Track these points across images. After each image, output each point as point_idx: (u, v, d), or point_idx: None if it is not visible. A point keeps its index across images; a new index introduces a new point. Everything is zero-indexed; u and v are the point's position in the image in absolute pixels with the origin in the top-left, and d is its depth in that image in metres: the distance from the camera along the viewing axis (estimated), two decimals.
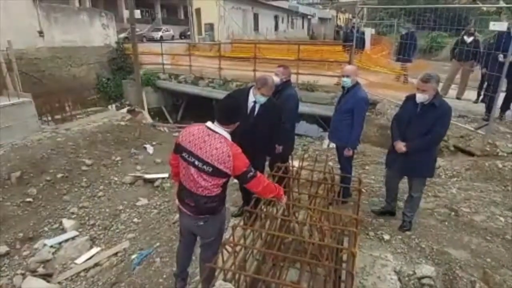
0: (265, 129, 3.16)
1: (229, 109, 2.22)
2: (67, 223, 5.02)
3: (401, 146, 3.14)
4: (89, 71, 11.02)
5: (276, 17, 26.60)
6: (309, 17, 35.51)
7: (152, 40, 22.18)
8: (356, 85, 3.62)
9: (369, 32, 12.33)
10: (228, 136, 2.16)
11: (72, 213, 5.32)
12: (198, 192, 2.20)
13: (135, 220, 5.21)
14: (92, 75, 11.09)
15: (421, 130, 3.04)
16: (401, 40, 8.34)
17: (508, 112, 5.83)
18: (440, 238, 3.29)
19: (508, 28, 4.91)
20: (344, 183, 3.38)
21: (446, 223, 3.55)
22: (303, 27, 34.77)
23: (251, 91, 3.14)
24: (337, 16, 41.96)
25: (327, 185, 3.09)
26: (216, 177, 2.14)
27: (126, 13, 21.20)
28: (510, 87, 5.36)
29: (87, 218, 5.28)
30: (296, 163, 3.40)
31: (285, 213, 2.74)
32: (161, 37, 24.57)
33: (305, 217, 2.76)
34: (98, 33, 11.30)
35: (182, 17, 35.40)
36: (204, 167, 2.11)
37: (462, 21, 9.53)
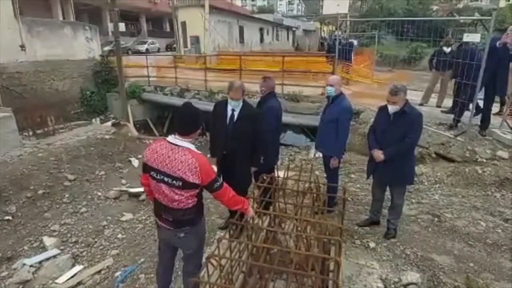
0: (246, 136, 3.23)
1: (185, 119, 2.19)
2: (48, 241, 4.84)
3: (379, 154, 3.21)
4: (73, 85, 10.87)
5: (261, 30, 27.02)
6: (293, 29, 36.22)
7: (137, 53, 22.10)
8: (340, 95, 3.71)
9: (355, 42, 12.65)
10: (192, 146, 2.16)
11: (54, 230, 5.15)
12: (174, 206, 2.18)
13: (119, 236, 5.07)
14: (75, 89, 10.93)
15: (396, 137, 3.14)
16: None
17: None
18: (424, 244, 3.34)
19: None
20: (330, 192, 3.41)
21: (430, 229, 3.61)
22: (288, 39, 35.38)
23: (228, 100, 3.27)
24: (321, 28, 42.89)
25: (312, 195, 3.11)
26: (187, 189, 2.13)
27: (111, 26, 21.07)
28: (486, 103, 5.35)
29: (69, 235, 5.11)
30: (282, 173, 3.42)
31: (271, 224, 2.74)
32: (147, 49, 24.54)
33: (291, 227, 2.76)
34: (82, 46, 11.20)
35: (168, 29, 35.56)
36: (174, 182, 2.11)
37: (440, 33, 9.89)
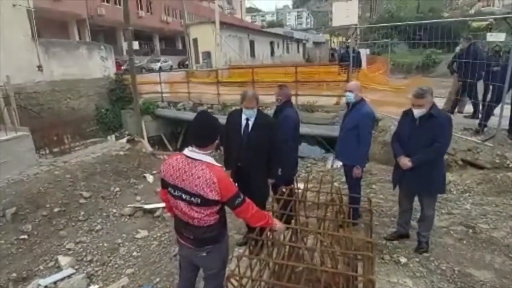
0: (261, 147, 3.08)
1: (202, 129, 2.02)
2: (63, 260, 4.76)
3: (406, 161, 2.99)
4: (88, 103, 11.09)
5: (271, 43, 27.26)
6: (303, 41, 36.46)
7: (151, 71, 22.56)
8: (361, 101, 3.55)
9: (364, 52, 12.53)
10: (210, 159, 2.00)
11: (69, 249, 5.07)
12: (195, 224, 2.04)
13: (135, 253, 4.94)
14: (91, 107, 11.15)
15: (424, 143, 2.92)
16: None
17: None
18: (460, 258, 3.07)
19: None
20: (353, 203, 3.21)
21: (465, 242, 3.34)
22: (298, 51, 35.57)
23: (242, 110, 3.15)
24: (330, 39, 43.06)
25: (335, 207, 2.92)
26: (207, 206, 1.98)
27: (125, 46, 21.68)
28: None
29: (84, 254, 5.01)
30: (301, 186, 3.25)
31: (293, 239, 2.55)
32: (160, 67, 25.03)
33: (314, 242, 2.56)
34: (97, 65, 11.49)
35: (180, 47, 36.39)
36: (192, 199, 1.97)
37: (455, 37, 9.64)
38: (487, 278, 2.79)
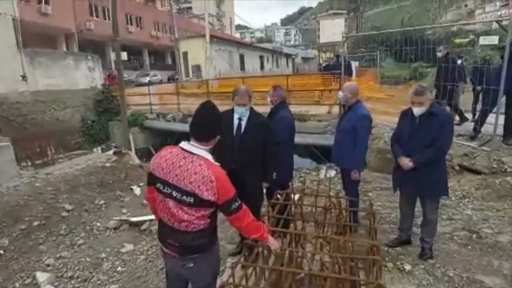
0: (255, 148, 2.89)
1: (206, 120, 1.84)
2: (41, 276, 4.40)
3: (406, 162, 2.86)
4: (74, 114, 10.78)
5: (261, 57, 27.56)
6: (293, 56, 37.05)
7: (140, 85, 22.36)
8: (357, 103, 3.43)
9: (353, 64, 12.70)
10: (209, 156, 1.81)
11: (48, 264, 4.72)
12: (182, 229, 1.80)
13: (119, 268, 4.62)
14: (76, 118, 10.83)
15: (425, 142, 2.80)
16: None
17: None
18: (467, 264, 2.91)
19: None
20: (352, 208, 3.04)
21: (470, 247, 3.18)
22: (287, 65, 36.05)
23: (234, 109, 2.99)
24: (319, 55, 43.93)
25: (335, 211, 2.75)
26: (199, 208, 1.75)
27: (114, 57, 21.58)
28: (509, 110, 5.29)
29: (64, 269, 4.67)
30: (296, 195, 3.08)
31: (292, 244, 2.35)
32: (149, 81, 24.86)
33: (314, 249, 2.37)
34: (84, 76, 11.26)
35: (170, 62, 36.42)
36: (184, 198, 1.73)
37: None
38: (498, 285, 2.63)
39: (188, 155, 1.76)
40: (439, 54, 6.98)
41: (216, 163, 1.80)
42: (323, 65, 15.89)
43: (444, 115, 2.82)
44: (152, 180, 1.84)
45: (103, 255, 4.92)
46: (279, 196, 2.91)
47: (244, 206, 1.87)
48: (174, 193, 1.75)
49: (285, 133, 3.33)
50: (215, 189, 1.71)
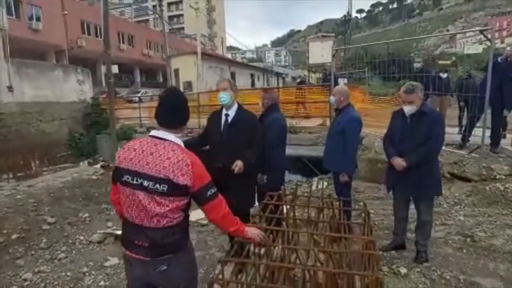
0: (241, 141, 2.83)
1: (174, 107, 1.74)
2: None
3: (400, 162, 2.83)
4: (61, 127, 10.53)
5: (252, 75, 27.98)
6: (283, 75, 37.71)
7: (130, 101, 22.28)
8: (347, 106, 3.44)
9: (341, 81, 13.01)
10: (181, 143, 1.72)
11: (25, 279, 4.44)
12: (152, 225, 1.64)
13: (102, 283, 4.37)
14: (64, 131, 10.58)
15: (417, 142, 2.79)
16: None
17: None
18: (463, 267, 2.84)
19: None
20: (345, 212, 2.97)
21: (465, 250, 3.13)
22: (278, 84, 36.59)
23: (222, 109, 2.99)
24: (308, 75, 44.88)
25: (328, 212, 2.68)
26: (174, 196, 1.63)
27: (104, 71, 21.59)
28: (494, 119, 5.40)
29: (42, 285, 4.39)
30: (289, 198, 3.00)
31: (284, 243, 2.24)
32: (140, 98, 24.76)
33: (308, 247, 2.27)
34: (73, 88, 11.12)
35: (161, 80, 36.58)
36: (157, 186, 1.60)
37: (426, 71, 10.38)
38: (495, 286, 2.56)
39: (159, 141, 1.67)
40: (443, 76, 7.27)
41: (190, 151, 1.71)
42: (297, 81, 17.04)
43: (435, 115, 2.83)
44: (119, 174, 1.70)
45: (85, 269, 4.66)
46: (271, 195, 2.82)
47: (220, 196, 1.76)
48: (146, 183, 1.62)
49: (274, 135, 3.28)
50: (191, 173, 1.61)
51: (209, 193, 1.68)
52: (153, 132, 1.72)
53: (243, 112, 2.98)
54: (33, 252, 5.03)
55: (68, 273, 4.59)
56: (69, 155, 9.90)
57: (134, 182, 1.64)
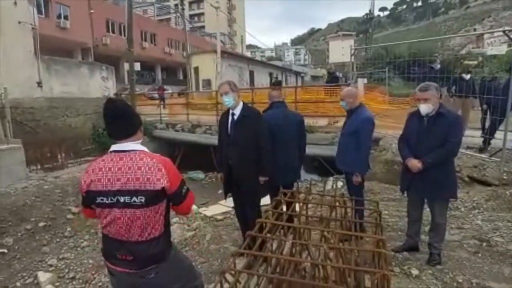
0: (248, 139, 3.00)
1: (122, 116, 1.68)
2: (42, 276, 4.39)
3: (415, 163, 2.81)
4: (86, 122, 10.99)
5: (271, 74, 27.91)
6: (302, 74, 37.42)
7: (151, 99, 22.80)
8: (359, 106, 3.44)
9: (361, 81, 12.84)
10: (145, 148, 1.69)
11: (50, 265, 4.72)
12: (134, 239, 1.62)
13: None
14: (88, 126, 11.03)
15: (433, 144, 2.76)
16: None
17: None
18: (477, 271, 2.81)
19: None
20: (357, 212, 2.99)
21: (480, 255, 3.08)
22: (296, 83, 36.37)
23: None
24: (328, 75, 44.41)
25: (340, 210, 2.71)
26: (153, 205, 1.61)
27: (127, 67, 22.26)
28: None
29: (66, 270, 4.66)
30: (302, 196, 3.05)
31: (295, 237, 2.31)
32: (162, 98, 25.29)
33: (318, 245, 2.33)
34: (98, 85, 11.57)
35: (181, 77, 37.18)
36: (134, 198, 1.57)
37: (449, 72, 10.08)
38: None
39: (123, 154, 1.62)
40: (466, 77, 7.05)
41: (156, 154, 1.70)
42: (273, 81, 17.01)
43: (453, 117, 2.80)
44: (91, 198, 1.63)
45: None
46: (284, 192, 2.89)
47: (191, 190, 1.80)
48: (122, 199, 1.58)
49: (274, 128, 3.32)
50: (166, 176, 1.60)
51: (183, 190, 1.71)
52: (114, 147, 1.68)
53: (247, 109, 3.15)
54: (58, 239, 5.31)
55: (90, 261, 4.83)
56: (93, 149, 10.29)
57: (109, 201, 1.59)
